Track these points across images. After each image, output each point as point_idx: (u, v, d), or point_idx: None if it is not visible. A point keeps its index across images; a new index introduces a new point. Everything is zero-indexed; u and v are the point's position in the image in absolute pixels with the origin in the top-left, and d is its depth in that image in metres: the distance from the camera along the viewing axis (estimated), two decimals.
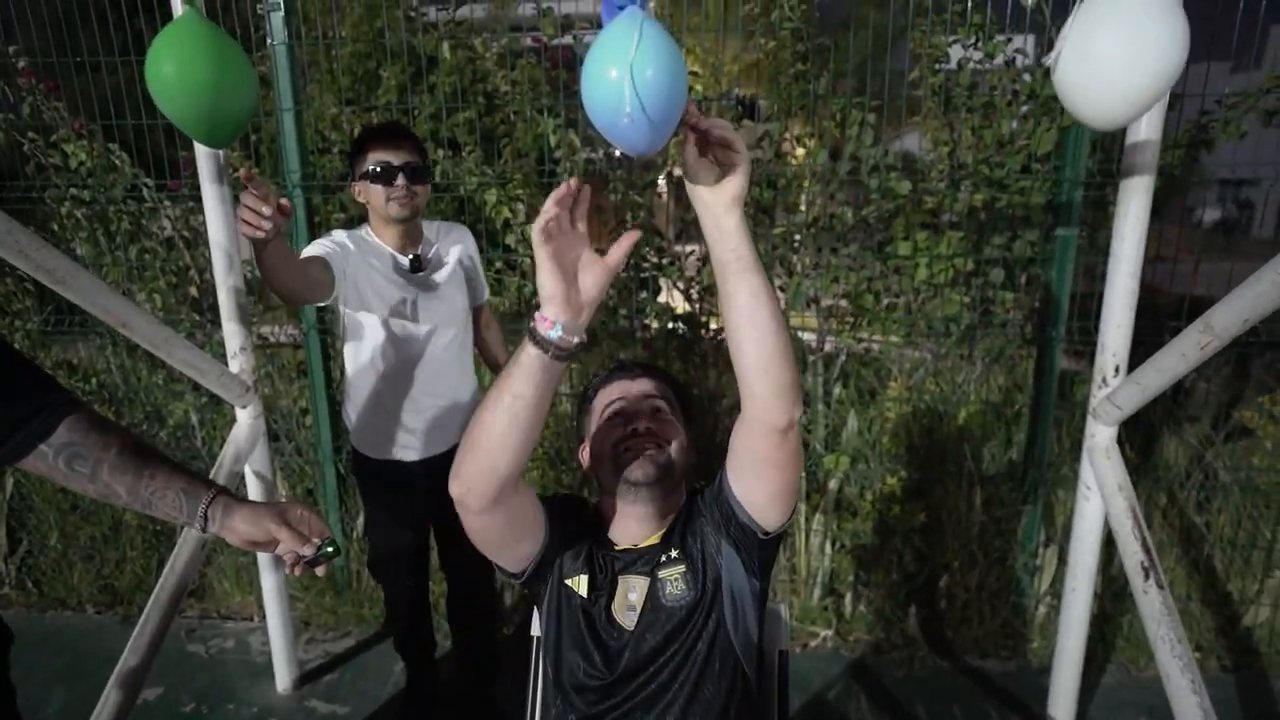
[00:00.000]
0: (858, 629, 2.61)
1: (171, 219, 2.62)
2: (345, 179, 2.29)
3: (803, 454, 1.02)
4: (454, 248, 1.89)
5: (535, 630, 1.34)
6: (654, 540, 1.14)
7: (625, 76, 0.79)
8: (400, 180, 1.68)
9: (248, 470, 2.14)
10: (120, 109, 2.46)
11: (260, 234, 1.28)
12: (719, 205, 0.87)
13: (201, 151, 1.89)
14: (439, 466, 1.86)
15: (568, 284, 0.86)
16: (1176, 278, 2.95)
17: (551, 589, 1.14)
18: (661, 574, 1.10)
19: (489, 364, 2.13)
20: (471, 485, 0.94)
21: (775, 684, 1.26)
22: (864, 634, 2.59)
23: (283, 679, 2.34)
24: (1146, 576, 1.67)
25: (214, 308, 2.74)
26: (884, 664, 2.49)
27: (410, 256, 1.77)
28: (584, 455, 1.22)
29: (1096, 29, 1.01)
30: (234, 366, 2.06)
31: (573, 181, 0.85)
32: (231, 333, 2.05)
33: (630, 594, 1.11)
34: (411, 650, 2.13)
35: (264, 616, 2.70)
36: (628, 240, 0.87)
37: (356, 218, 2.63)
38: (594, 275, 0.88)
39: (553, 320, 0.85)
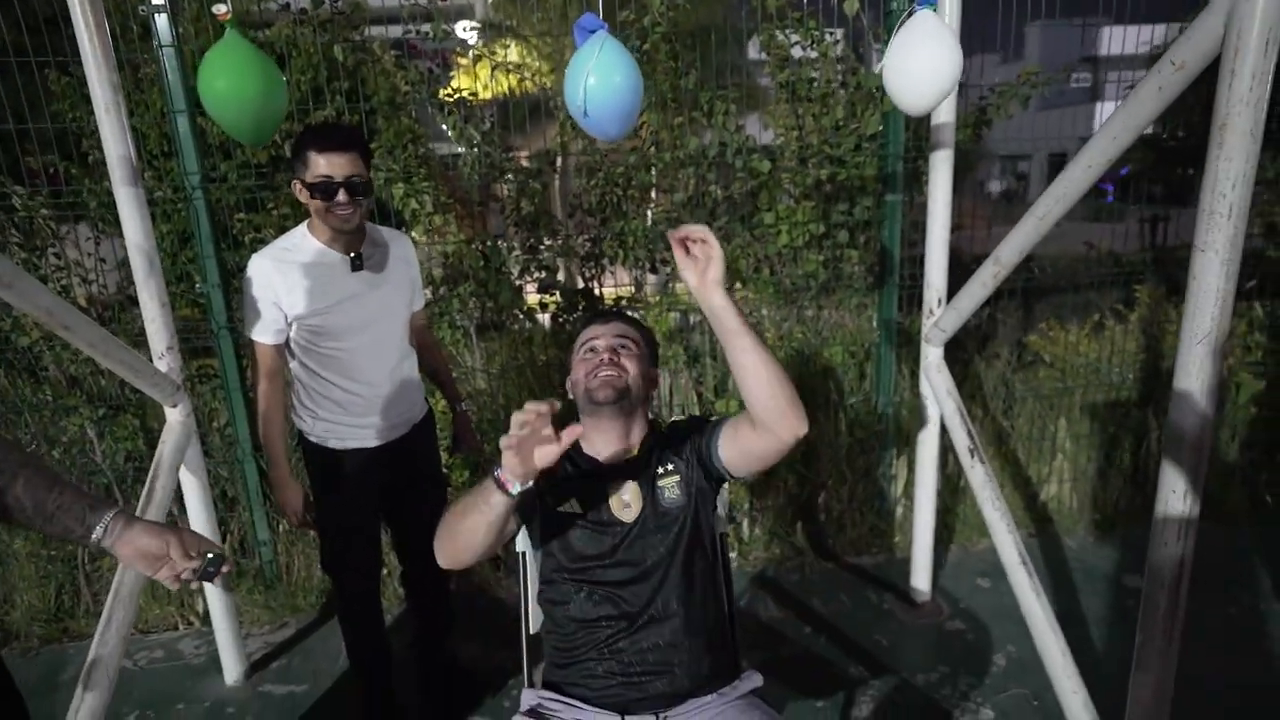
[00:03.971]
0: (755, 549, 3.04)
1: (52, 228, 2.51)
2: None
3: None
4: (396, 250, 1.94)
5: (519, 546, 1.58)
6: (633, 455, 1.42)
7: (582, 83, 1.08)
8: (341, 196, 1.69)
9: (183, 471, 2.17)
10: None
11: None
12: (705, 290, 1.17)
13: (113, 156, 1.91)
14: (397, 449, 1.97)
15: (526, 461, 1.10)
16: (975, 242, 3.63)
17: (543, 516, 1.40)
18: (660, 483, 1.39)
19: (427, 371, 2.14)
20: (453, 564, 1.26)
21: (721, 561, 1.59)
22: (761, 552, 3.03)
23: (232, 672, 2.38)
24: (972, 456, 2.18)
25: (102, 319, 2.68)
26: (781, 573, 2.93)
27: (352, 255, 1.80)
28: (569, 386, 1.50)
29: (906, 52, 1.46)
30: (161, 366, 2.09)
31: (552, 405, 1.07)
32: (156, 333, 2.07)
33: (624, 495, 1.40)
34: (366, 652, 2.11)
35: (189, 623, 2.71)
36: (576, 430, 1.13)
37: (272, 220, 2.66)
38: (546, 451, 1.11)
39: (513, 482, 1.12)
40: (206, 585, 2.33)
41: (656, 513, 1.39)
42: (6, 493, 1.04)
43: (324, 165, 1.68)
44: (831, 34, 2.73)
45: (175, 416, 2.12)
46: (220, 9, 1.16)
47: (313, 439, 1.93)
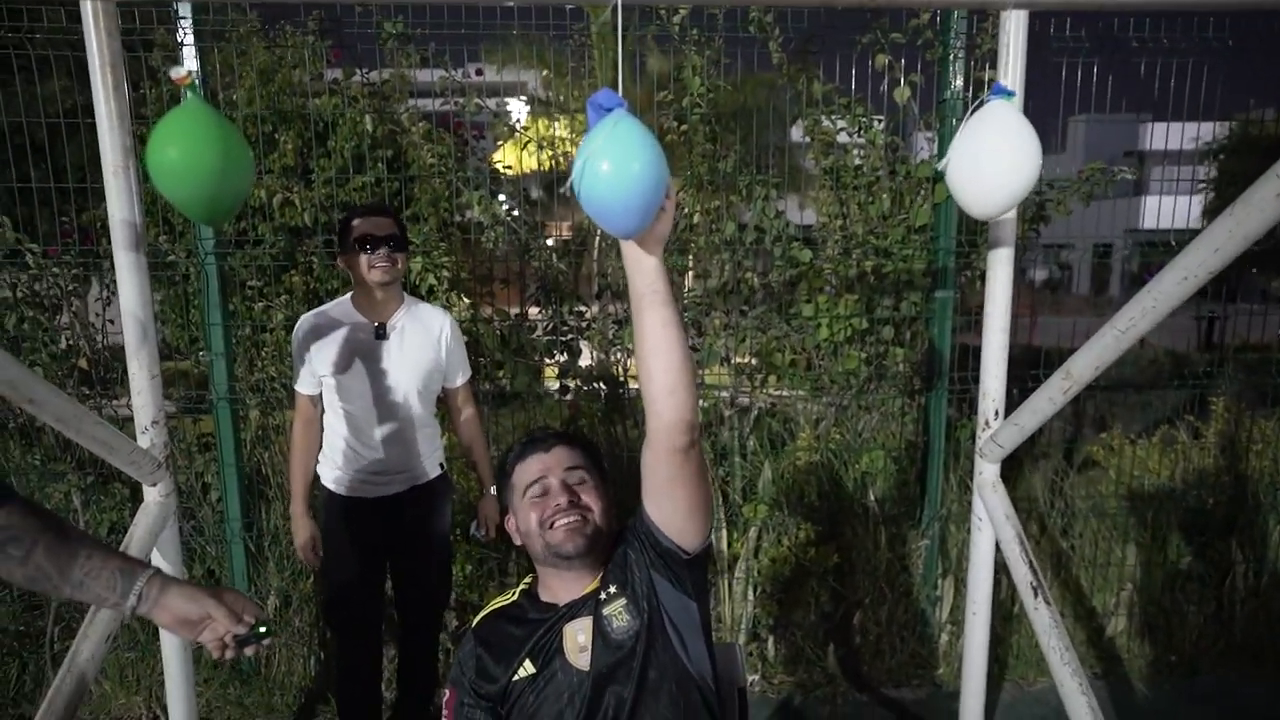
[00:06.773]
0: (780, 672, 2.72)
1: (62, 287, 2.45)
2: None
3: (709, 472, 1.12)
4: (435, 327, 2.04)
5: None
6: (592, 587, 1.21)
7: (582, 166, 0.92)
8: (383, 250, 1.90)
9: (155, 553, 2.00)
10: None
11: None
12: (646, 245, 0.99)
13: (116, 218, 1.82)
14: (394, 505, 2.05)
15: None
16: (1018, 331, 3.40)
17: (500, 694, 1.18)
18: (605, 611, 1.17)
19: (463, 448, 2.21)
20: None
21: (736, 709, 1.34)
22: (787, 676, 2.71)
23: None
24: (1036, 595, 1.89)
25: (104, 380, 2.58)
26: (809, 703, 2.60)
27: (376, 324, 1.97)
28: (511, 529, 1.27)
29: (974, 148, 1.26)
30: (144, 442, 1.94)
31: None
32: (142, 406, 1.93)
33: (579, 636, 1.17)
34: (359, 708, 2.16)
35: (155, 717, 2.49)
36: None
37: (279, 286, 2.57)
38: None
39: None
40: (168, 676, 2.12)
41: (609, 648, 1.15)
42: (27, 561, 0.96)
43: (365, 226, 1.91)
44: (879, 120, 2.60)
45: (153, 496, 1.96)
46: (178, 72, 1.05)
47: (324, 482, 2.07)
